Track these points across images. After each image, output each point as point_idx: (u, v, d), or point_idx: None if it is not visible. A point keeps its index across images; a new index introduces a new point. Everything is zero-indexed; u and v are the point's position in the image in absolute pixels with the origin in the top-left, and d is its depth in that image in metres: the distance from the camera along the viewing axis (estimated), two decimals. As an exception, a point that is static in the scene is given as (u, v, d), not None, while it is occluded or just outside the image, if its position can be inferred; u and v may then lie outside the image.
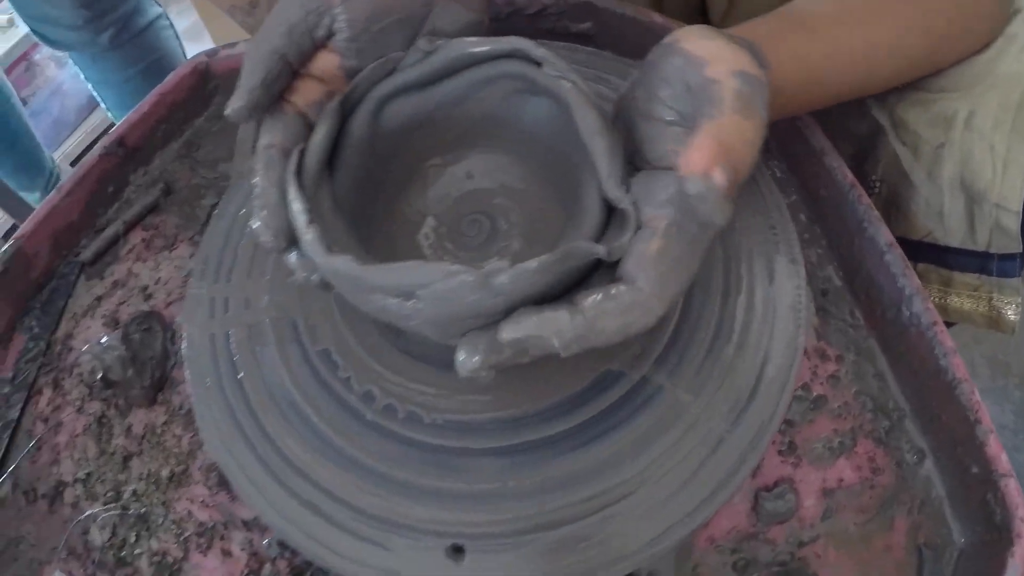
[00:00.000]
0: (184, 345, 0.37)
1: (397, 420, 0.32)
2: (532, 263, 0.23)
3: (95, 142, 1.45)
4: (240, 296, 0.37)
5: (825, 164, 0.40)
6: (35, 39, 1.06)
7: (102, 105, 1.17)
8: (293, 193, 0.27)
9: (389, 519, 0.30)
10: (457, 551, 0.29)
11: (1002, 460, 0.31)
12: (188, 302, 0.38)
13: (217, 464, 0.34)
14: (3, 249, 0.45)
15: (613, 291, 0.24)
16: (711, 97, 0.26)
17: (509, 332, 0.24)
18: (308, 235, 0.26)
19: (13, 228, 1.22)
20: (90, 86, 1.10)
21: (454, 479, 0.31)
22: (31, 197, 1.23)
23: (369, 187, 0.33)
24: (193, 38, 1.38)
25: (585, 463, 0.30)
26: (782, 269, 0.34)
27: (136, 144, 0.50)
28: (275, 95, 0.31)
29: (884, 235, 0.36)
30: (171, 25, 1.09)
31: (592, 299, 0.24)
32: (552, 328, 0.24)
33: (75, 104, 1.44)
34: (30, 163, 1.23)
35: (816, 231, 0.42)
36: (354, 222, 0.31)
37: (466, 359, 0.24)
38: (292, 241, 0.28)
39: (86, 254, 0.48)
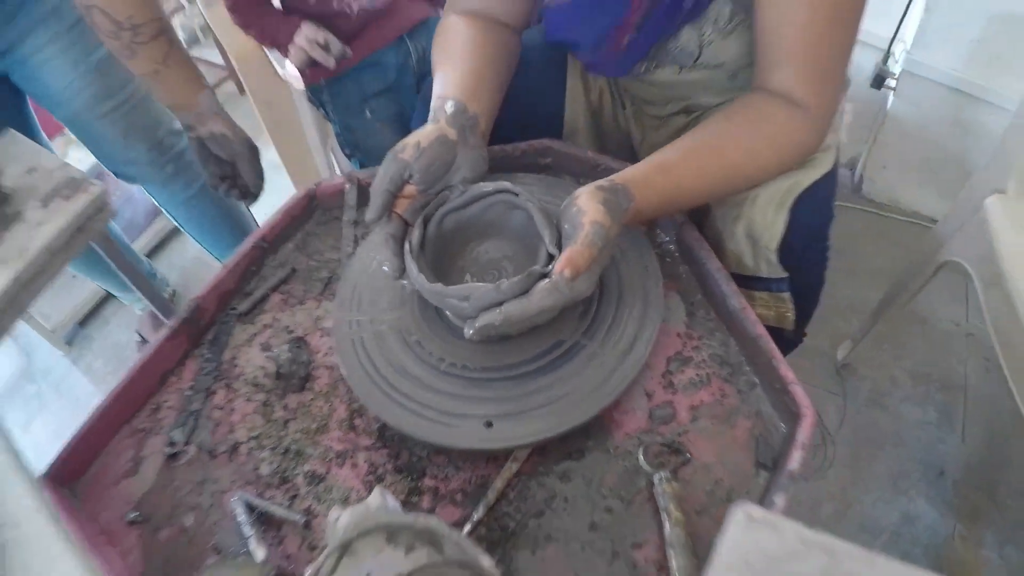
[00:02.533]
0: (335, 344, 0.68)
1: (451, 366, 0.63)
2: (516, 278, 0.56)
3: (165, 240, 1.84)
4: (367, 317, 0.69)
5: (686, 232, 0.73)
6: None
7: (173, 221, 1.41)
8: (409, 257, 0.61)
9: (449, 411, 0.61)
10: (488, 425, 0.59)
11: (790, 375, 0.60)
12: (336, 321, 0.69)
13: (360, 403, 0.65)
14: (187, 306, 0.75)
15: (543, 284, 0.56)
16: (577, 233, 0.57)
17: (470, 326, 0.57)
18: (415, 273, 0.59)
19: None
20: (159, 206, 1.37)
21: (480, 391, 0.62)
22: (130, 298, 1.53)
23: (440, 257, 0.67)
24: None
25: (545, 382, 0.61)
26: (651, 289, 0.66)
27: (269, 241, 0.83)
28: (388, 208, 0.64)
29: (715, 264, 0.69)
30: None
31: (540, 285, 0.56)
32: (487, 319, 0.56)
33: (144, 209, 1.80)
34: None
35: (686, 269, 0.74)
36: (434, 272, 0.63)
37: (466, 332, 0.57)
38: (402, 274, 0.61)
39: (242, 308, 0.78)
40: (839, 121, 0.83)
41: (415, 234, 0.64)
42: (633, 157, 0.89)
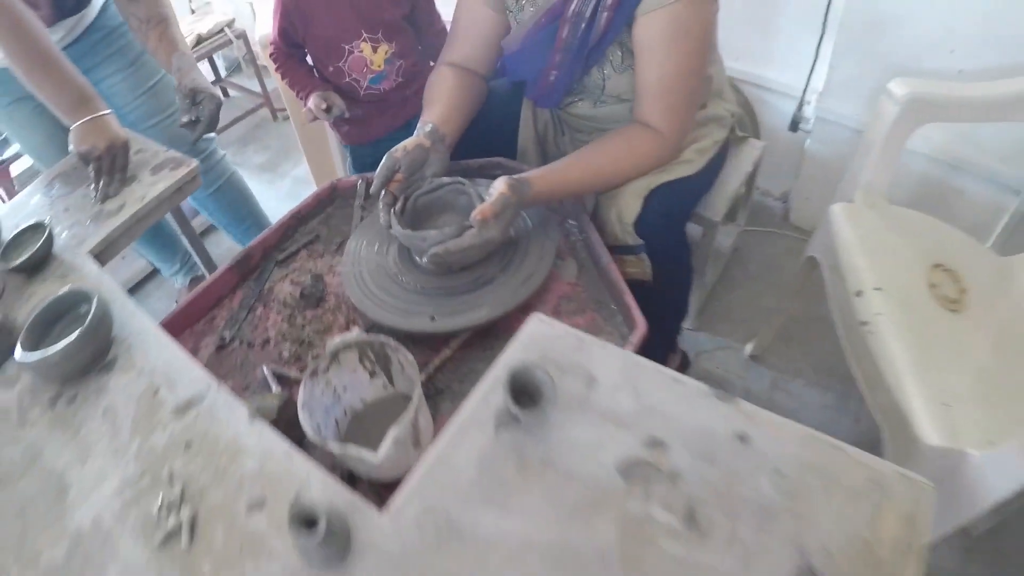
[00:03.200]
0: (342, 275, 1.04)
1: (412, 286, 0.99)
2: (453, 227, 0.93)
3: (203, 233, 2.22)
4: (364, 262, 1.05)
5: (582, 218, 1.08)
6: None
7: (201, 212, 1.82)
8: (394, 217, 0.97)
9: (409, 311, 0.95)
10: (432, 319, 0.94)
11: (633, 303, 0.93)
12: (343, 263, 1.06)
13: (354, 314, 1.00)
14: (241, 252, 1.12)
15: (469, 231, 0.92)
16: (491, 197, 0.94)
17: (424, 256, 0.95)
18: (396, 226, 0.96)
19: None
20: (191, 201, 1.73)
21: (429, 299, 0.97)
22: (171, 271, 1.93)
23: (415, 223, 1.03)
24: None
25: (471, 297, 0.96)
26: (547, 250, 1.00)
27: (303, 215, 1.20)
28: (384, 186, 1.01)
29: (596, 237, 1.03)
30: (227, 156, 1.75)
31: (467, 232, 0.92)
32: (434, 251, 0.93)
33: (185, 207, 2.17)
34: (170, 248, 1.89)
35: (580, 241, 1.09)
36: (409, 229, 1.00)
37: (421, 260, 0.95)
38: (390, 227, 0.98)
39: (279, 257, 1.15)
40: (708, 146, 1.19)
41: (398, 204, 1.01)
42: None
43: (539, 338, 0.70)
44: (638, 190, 1.07)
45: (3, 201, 2.23)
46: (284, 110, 2.74)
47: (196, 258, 1.60)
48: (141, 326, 0.86)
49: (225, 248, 2.17)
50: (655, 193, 1.07)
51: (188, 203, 1.82)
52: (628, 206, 1.07)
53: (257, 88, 2.74)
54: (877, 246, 1.13)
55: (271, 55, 1.41)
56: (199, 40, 2.56)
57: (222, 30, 2.60)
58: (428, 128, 1.06)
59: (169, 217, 1.37)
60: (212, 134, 1.56)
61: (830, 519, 0.55)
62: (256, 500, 0.62)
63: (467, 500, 0.59)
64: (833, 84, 1.59)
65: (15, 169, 2.29)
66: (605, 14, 0.99)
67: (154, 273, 2.13)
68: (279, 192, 2.37)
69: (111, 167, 1.16)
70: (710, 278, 1.70)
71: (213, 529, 0.61)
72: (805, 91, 1.67)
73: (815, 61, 1.61)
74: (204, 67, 2.81)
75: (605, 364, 0.68)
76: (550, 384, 0.63)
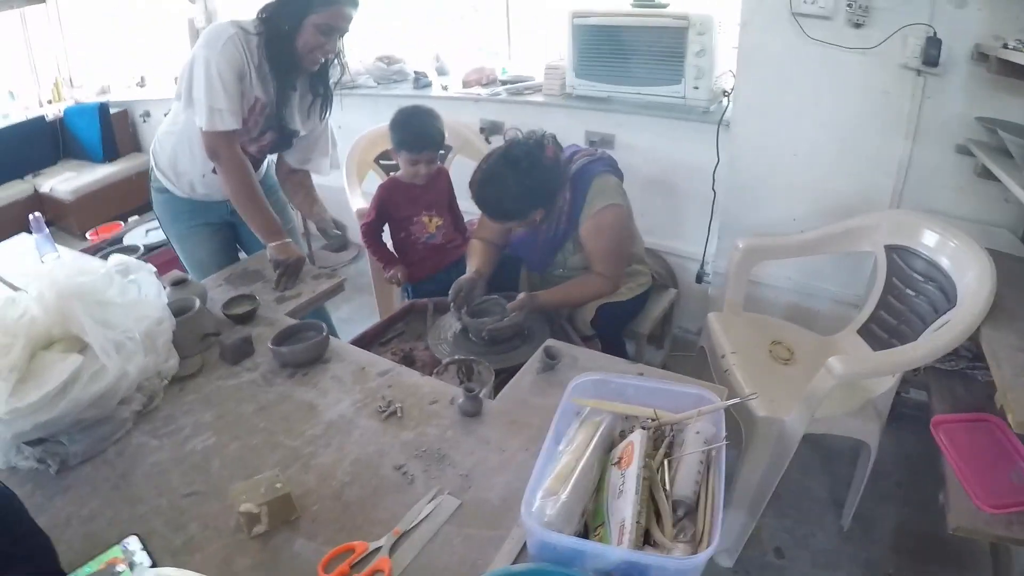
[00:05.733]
0: (430, 344, 1.87)
1: (474, 351, 1.85)
2: (496, 318, 1.84)
3: None
4: (442, 343, 1.89)
5: (566, 323, 1.96)
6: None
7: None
8: (464, 315, 1.88)
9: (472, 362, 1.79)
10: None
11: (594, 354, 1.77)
12: (432, 343, 1.90)
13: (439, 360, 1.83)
14: (356, 336, 1.94)
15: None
16: (517, 300, 1.90)
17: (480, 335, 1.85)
18: (466, 318, 1.87)
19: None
20: None
21: (484, 358, 1.81)
22: None
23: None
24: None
25: (505, 355, 1.82)
26: (543, 336, 1.89)
27: (394, 318, 2.04)
28: (455, 300, 1.93)
29: (576, 334, 1.91)
30: None
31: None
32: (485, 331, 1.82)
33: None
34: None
35: (563, 332, 1.95)
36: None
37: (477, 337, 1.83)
38: (460, 319, 1.89)
39: (381, 341, 1.97)
40: (635, 287, 2.12)
41: (462, 310, 1.88)
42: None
43: (553, 343, 1.54)
44: (593, 305, 2.03)
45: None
46: (326, 268, 3.67)
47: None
48: (343, 344, 1.67)
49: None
50: (603, 307, 2.04)
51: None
52: (587, 313, 2.03)
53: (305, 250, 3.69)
54: (734, 332, 2.02)
55: (364, 233, 2.32)
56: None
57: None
58: (475, 269, 2.00)
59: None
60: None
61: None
62: (432, 399, 1.41)
63: (528, 394, 1.40)
64: (721, 249, 2.58)
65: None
66: (561, 226, 1.98)
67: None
68: (343, 317, 3.19)
69: (293, 272, 1.98)
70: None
71: (411, 411, 1.38)
72: (704, 255, 2.65)
73: (708, 235, 2.61)
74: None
75: (581, 353, 1.52)
76: (561, 353, 1.46)
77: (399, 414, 1.37)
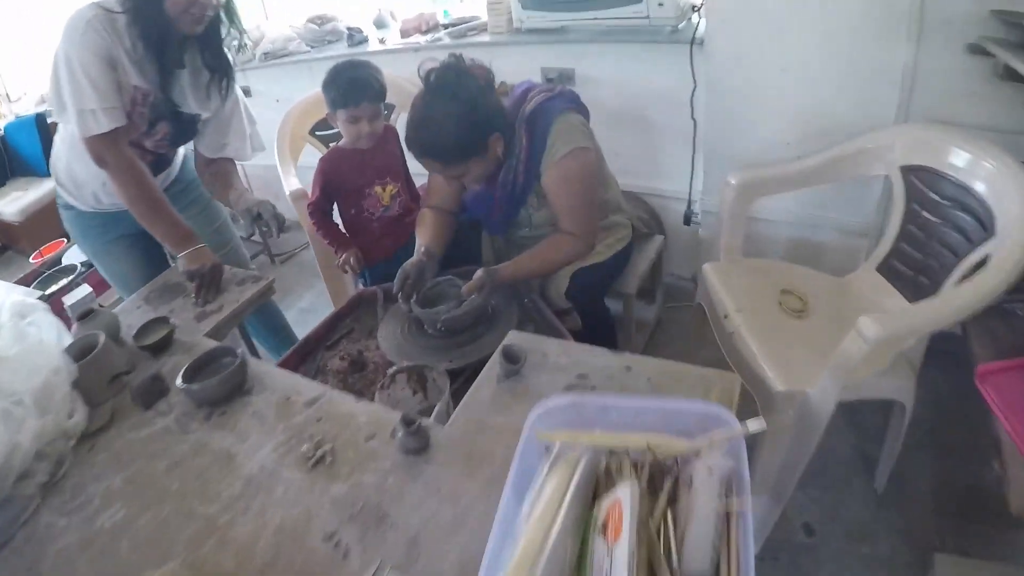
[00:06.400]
0: (381, 344, 1.59)
1: (431, 346, 1.56)
2: (452, 304, 1.55)
3: None
4: (393, 337, 1.61)
5: (536, 296, 1.67)
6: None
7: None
8: (414, 304, 1.59)
9: (430, 358, 1.51)
10: (451, 361, 1.49)
11: (564, 331, 1.51)
12: (382, 341, 1.61)
13: (391, 362, 1.55)
14: (300, 342, 1.66)
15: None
16: (473, 279, 1.58)
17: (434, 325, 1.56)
18: (416, 308, 1.57)
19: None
20: None
21: (443, 352, 1.53)
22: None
23: (423, 307, 1.61)
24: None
25: (471, 346, 1.54)
26: (510, 319, 1.59)
27: (341, 314, 1.76)
28: (401, 289, 1.63)
29: (541, 302, 1.62)
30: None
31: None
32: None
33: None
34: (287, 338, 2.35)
35: (534, 309, 1.67)
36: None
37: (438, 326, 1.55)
38: (411, 311, 1.58)
39: (327, 343, 1.70)
40: (613, 243, 1.83)
41: (412, 299, 1.60)
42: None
43: (516, 338, 1.26)
44: (566, 272, 1.73)
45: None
46: (280, 255, 3.38)
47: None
48: (266, 368, 1.39)
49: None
50: (577, 274, 1.73)
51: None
52: (560, 282, 1.72)
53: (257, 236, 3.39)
54: (736, 284, 1.74)
55: (310, 215, 2.00)
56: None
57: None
58: (423, 249, 1.69)
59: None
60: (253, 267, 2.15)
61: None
62: (369, 433, 1.14)
63: (487, 412, 1.12)
64: (708, 186, 2.28)
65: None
66: (520, 178, 1.67)
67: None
68: (290, 319, 2.91)
69: (211, 282, 1.70)
70: (637, 344, 2.26)
71: (344, 453, 1.12)
72: (690, 194, 2.36)
73: (692, 170, 2.31)
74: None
75: (551, 347, 1.25)
76: (524, 352, 1.19)
77: (329, 459, 1.11)
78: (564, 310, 1.74)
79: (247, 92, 3.25)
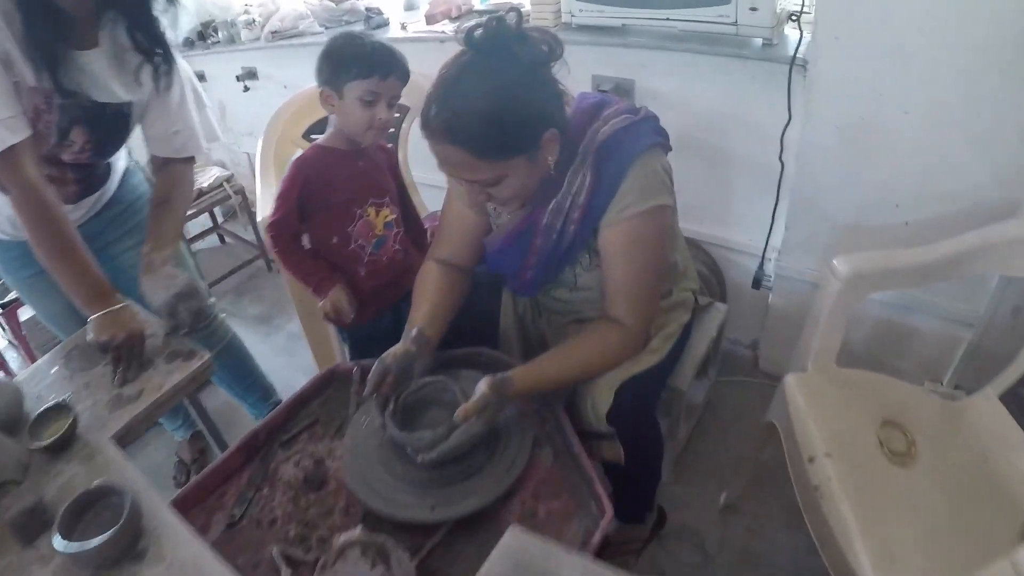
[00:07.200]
0: (343, 465, 1.20)
1: (410, 478, 1.15)
2: (440, 430, 1.12)
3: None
4: (362, 453, 1.22)
5: (560, 413, 1.26)
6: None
7: None
8: (388, 419, 1.16)
9: (404, 501, 1.12)
10: (432, 509, 1.10)
11: (601, 491, 1.10)
12: (343, 452, 1.23)
13: (354, 498, 1.16)
14: (246, 433, 1.29)
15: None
16: (474, 397, 1.12)
17: (422, 457, 1.11)
18: (392, 428, 1.14)
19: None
20: None
21: (424, 492, 1.13)
22: (172, 427, 2.06)
23: (408, 417, 1.21)
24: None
25: (461, 487, 1.13)
26: (523, 445, 1.18)
27: (305, 397, 1.38)
28: (377, 390, 1.20)
29: (570, 430, 1.20)
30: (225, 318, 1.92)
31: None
32: (430, 457, 1.10)
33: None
34: (175, 409, 2.01)
35: (555, 430, 1.26)
36: (403, 426, 1.17)
37: (419, 459, 1.11)
38: (385, 428, 1.16)
39: (283, 438, 1.32)
40: (675, 330, 1.39)
41: (390, 407, 1.19)
42: (545, 348, 1.44)
43: (514, 550, 0.86)
44: (610, 383, 1.26)
45: (11, 343, 2.40)
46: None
47: (195, 416, 1.76)
48: (168, 519, 1.02)
49: (222, 400, 2.32)
50: (626, 386, 1.26)
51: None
52: (601, 398, 1.25)
53: (252, 238, 3.00)
54: (828, 412, 1.32)
55: (273, 237, 1.52)
56: (199, 194, 2.84)
57: (221, 184, 2.89)
58: (415, 333, 1.26)
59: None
60: (212, 299, 1.78)
61: None
62: None
63: None
64: (790, 244, 1.84)
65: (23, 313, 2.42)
66: (572, 227, 1.22)
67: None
68: (275, 347, 2.57)
69: (129, 356, 1.33)
70: (683, 433, 1.86)
71: None
72: (765, 250, 1.91)
73: (772, 223, 1.86)
74: (203, 218, 3.08)
75: (569, 569, 0.85)
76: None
77: None
78: (602, 435, 1.30)
79: (252, 74, 2.86)
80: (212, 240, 3.35)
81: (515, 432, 1.21)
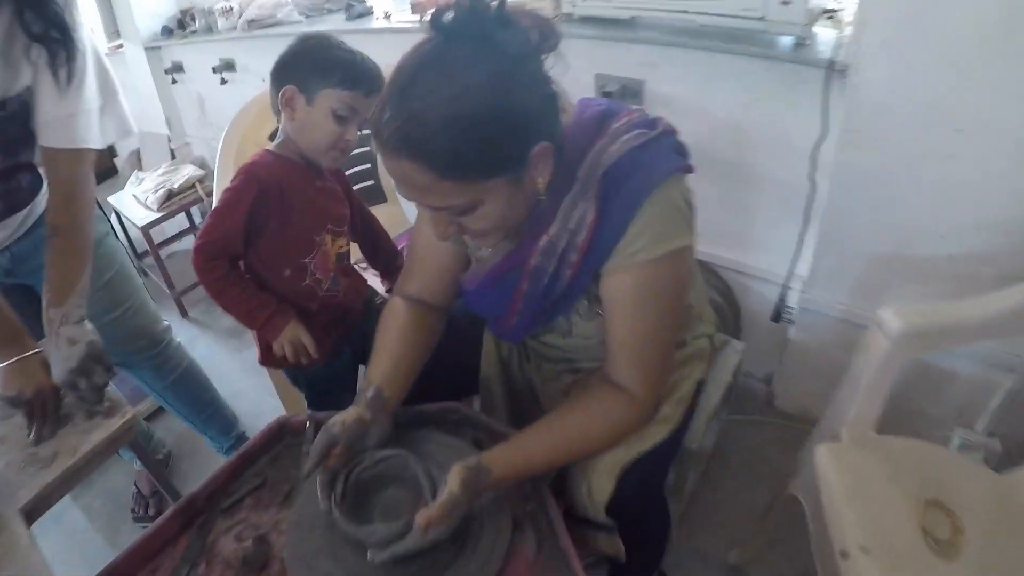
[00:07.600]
0: (287, 555, 1.01)
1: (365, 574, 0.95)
2: (396, 525, 0.90)
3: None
4: (308, 539, 1.02)
5: (548, 500, 1.05)
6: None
7: (159, 401, 1.79)
8: (333, 505, 0.95)
9: None
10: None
11: None
12: (288, 538, 1.03)
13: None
14: (183, 497, 1.09)
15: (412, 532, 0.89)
16: (438, 499, 0.89)
17: (373, 553, 0.90)
18: (339, 518, 0.94)
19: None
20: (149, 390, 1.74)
21: None
22: (130, 456, 1.86)
23: (360, 498, 1.00)
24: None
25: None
26: (499, 539, 0.96)
27: (250, 455, 1.18)
28: (319, 465, 0.99)
29: (560, 521, 0.99)
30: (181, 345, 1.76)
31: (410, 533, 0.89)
32: (381, 558, 0.89)
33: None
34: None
35: (541, 517, 1.05)
36: (355, 508, 0.97)
37: (370, 557, 0.90)
38: (330, 512, 0.95)
39: (224, 504, 1.12)
40: (688, 391, 1.17)
41: (338, 487, 0.98)
42: (535, 399, 1.25)
43: None
44: (611, 467, 1.03)
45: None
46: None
47: (140, 463, 1.59)
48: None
49: (180, 430, 2.14)
50: (631, 469, 1.04)
51: (141, 388, 1.81)
52: (600, 485, 1.03)
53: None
54: (866, 494, 1.11)
55: (206, 261, 1.23)
56: (170, 195, 2.63)
57: (193, 185, 2.68)
58: (371, 393, 1.05)
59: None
60: (166, 322, 1.59)
61: None
62: None
63: None
64: (817, 274, 1.63)
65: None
66: (568, 271, 0.99)
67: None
68: (245, 363, 2.38)
69: (42, 411, 1.14)
70: (690, 486, 1.65)
71: None
72: (787, 279, 1.70)
73: (798, 249, 1.65)
74: (180, 219, 2.88)
75: None
76: None
77: None
78: (600, 525, 1.08)
79: (230, 66, 2.65)
80: (189, 241, 3.14)
81: (490, 514, 1.00)
